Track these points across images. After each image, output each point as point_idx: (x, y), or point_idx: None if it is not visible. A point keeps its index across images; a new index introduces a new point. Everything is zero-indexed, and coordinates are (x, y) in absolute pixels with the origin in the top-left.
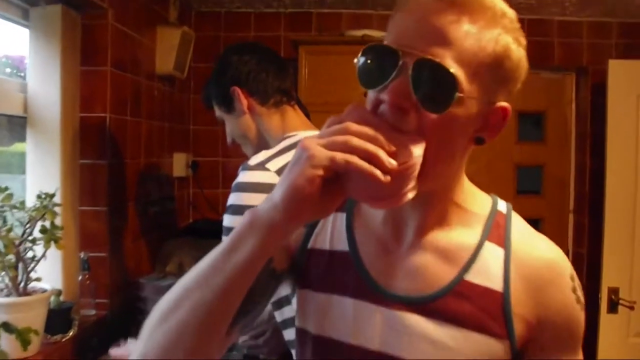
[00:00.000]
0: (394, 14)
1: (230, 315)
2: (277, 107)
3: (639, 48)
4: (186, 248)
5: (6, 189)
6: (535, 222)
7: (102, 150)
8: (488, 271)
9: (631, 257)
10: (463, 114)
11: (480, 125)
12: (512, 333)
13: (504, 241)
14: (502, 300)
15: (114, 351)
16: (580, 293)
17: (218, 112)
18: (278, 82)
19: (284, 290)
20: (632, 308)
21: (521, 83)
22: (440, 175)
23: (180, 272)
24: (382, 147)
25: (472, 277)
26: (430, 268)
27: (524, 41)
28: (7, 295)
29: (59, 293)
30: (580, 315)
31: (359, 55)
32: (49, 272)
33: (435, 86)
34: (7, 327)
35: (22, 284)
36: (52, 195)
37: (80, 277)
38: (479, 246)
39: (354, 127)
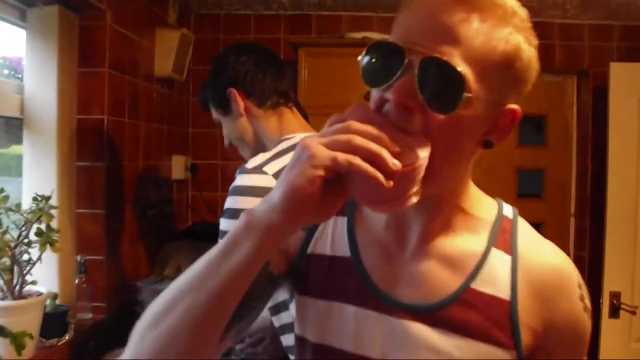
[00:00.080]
0: (398, 15)
1: (224, 319)
2: (274, 109)
3: None
4: (184, 251)
5: (2, 190)
6: (536, 226)
7: (99, 153)
8: (495, 279)
9: (633, 261)
10: (471, 116)
11: (489, 127)
12: (519, 343)
13: (510, 247)
14: (509, 309)
15: None
16: (587, 301)
17: (215, 114)
18: (275, 84)
19: (282, 295)
20: (634, 313)
21: (532, 84)
22: (446, 179)
23: (179, 275)
24: (386, 147)
25: (478, 285)
26: (435, 275)
27: (535, 41)
28: (2, 299)
29: (55, 296)
30: (587, 323)
31: (363, 53)
32: (45, 275)
33: (443, 85)
34: (1, 330)
35: (17, 287)
36: (48, 198)
37: (76, 280)
38: (486, 253)
39: (357, 125)
